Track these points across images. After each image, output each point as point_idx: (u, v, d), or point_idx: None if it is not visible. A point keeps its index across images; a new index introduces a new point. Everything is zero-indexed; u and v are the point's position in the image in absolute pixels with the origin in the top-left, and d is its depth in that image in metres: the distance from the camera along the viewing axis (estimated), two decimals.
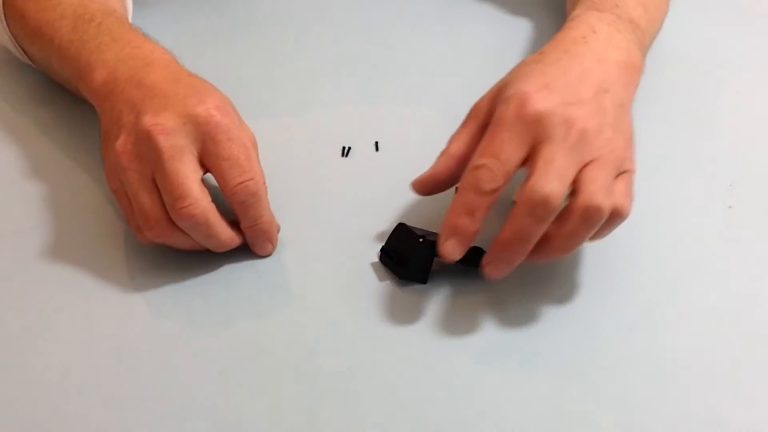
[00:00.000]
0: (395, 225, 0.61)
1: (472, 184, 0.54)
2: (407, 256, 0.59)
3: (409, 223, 0.62)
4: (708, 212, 0.66)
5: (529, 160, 0.54)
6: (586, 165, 0.54)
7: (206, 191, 0.57)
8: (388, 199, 0.66)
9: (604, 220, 0.54)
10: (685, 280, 0.61)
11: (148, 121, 0.56)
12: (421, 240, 0.58)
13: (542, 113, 0.54)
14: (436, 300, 0.59)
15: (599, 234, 0.56)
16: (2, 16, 0.71)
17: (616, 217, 0.55)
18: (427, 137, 0.70)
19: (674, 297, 0.60)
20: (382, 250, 0.61)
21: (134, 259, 0.61)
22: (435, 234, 0.57)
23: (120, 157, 0.57)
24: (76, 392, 0.54)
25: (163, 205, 0.56)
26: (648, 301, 0.60)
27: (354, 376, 0.55)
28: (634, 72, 0.62)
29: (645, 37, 0.67)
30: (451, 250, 0.55)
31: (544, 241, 0.55)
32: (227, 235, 0.59)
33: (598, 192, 0.53)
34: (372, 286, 0.60)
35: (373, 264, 0.61)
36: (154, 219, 0.57)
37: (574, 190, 0.54)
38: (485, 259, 0.56)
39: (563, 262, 0.62)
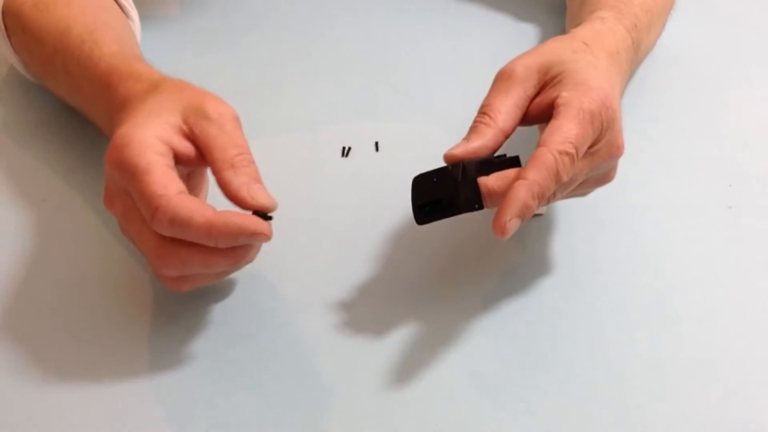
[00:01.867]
0: (412, 183, 0.55)
1: (556, 171, 0.52)
2: (450, 191, 0.53)
3: (408, 222, 0.61)
4: (708, 212, 0.66)
5: None
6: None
7: (181, 186, 0.51)
8: (388, 199, 0.66)
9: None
10: (685, 280, 0.61)
11: (110, 144, 0.53)
12: (450, 168, 0.53)
13: (614, 119, 0.55)
14: (436, 300, 0.59)
15: None
16: (11, 47, 0.70)
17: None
18: (427, 137, 0.70)
19: (674, 297, 0.60)
20: (419, 208, 0.54)
21: (134, 259, 0.61)
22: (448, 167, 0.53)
23: (106, 205, 0.54)
24: (76, 392, 0.54)
25: (153, 234, 0.51)
26: (648, 301, 0.60)
27: (354, 376, 0.55)
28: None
29: (631, 67, 0.67)
30: (512, 230, 0.51)
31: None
32: (201, 217, 0.50)
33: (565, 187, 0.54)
34: (372, 286, 0.60)
35: (373, 264, 0.61)
36: (149, 248, 0.52)
37: None
38: (504, 215, 0.51)
39: (563, 262, 0.62)
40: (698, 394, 0.54)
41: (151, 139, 0.52)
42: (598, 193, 0.67)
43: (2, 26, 0.69)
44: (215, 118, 0.53)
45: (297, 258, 0.62)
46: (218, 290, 0.59)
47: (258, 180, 0.53)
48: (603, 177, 0.58)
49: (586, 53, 0.58)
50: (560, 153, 0.52)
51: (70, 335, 0.57)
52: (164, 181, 0.50)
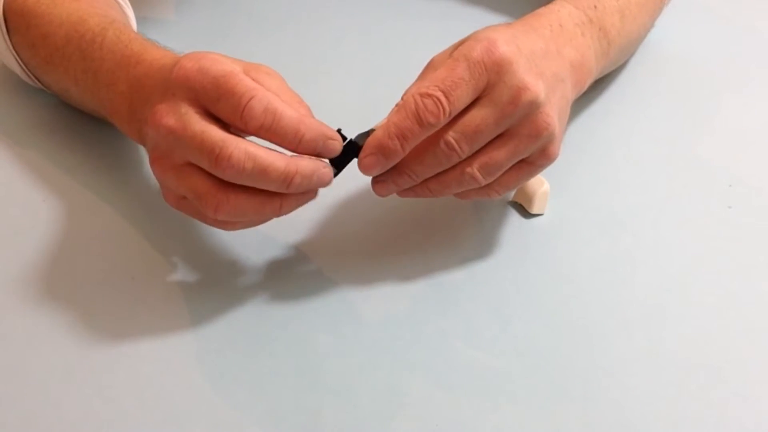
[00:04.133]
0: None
1: (415, 112, 0.52)
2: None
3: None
4: (708, 212, 0.66)
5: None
6: (505, 134, 0.55)
7: (235, 135, 0.52)
8: (388, 199, 0.66)
9: (474, 187, 0.56)
10: (685, 280, 0.61)
11: (148, 118, 0.54)
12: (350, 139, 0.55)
13: (506, 62, 0.53)
14: (436, 300, 0.59)
15: (466, 195, 0.58)
16: (9, 43, 0.69)
17: (483, 194, 0.57)
18: None
19: (674, 297, 0.60)
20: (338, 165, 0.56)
21: (134, 259, 0.61)
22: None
23: (155, 170, 0.55)
24: (76, 392, 0.54)
25: (209, 177, 0.53)
26: (648, 301, 0.60)
27: (354, 376, 0.55)
28: (583, 76, 0.62)
29: (610, 48, 0.67)
30: (371, 166, 0.54)
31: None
32: (281, 163, 0.52)
33: (489, 172, 0.55)
34: (372, 285, 0.60)
35: (373, 265, 0.61)
36: (206, 192, 0.52)
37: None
38: (362, 153, 0.54)
39: (563, 262, 0.62)
40: (698, 394, 0.54)
41: (229, 61, 0.54)
42: (598, 193, 0.67)
43: (3, 26, 0.69)
44: (273, 74, 0.56)
45: (296, 258, 0.62)
46: (217, 290, 0.59)
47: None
48: (533, 127, 0.54)
49: (500, 25, 0.58)
50: (421, 95, 0.52)
51: (70, 335, 0.57)
52: (253, 83, 0.52)
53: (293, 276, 0.60)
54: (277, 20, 0.83)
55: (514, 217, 0.65)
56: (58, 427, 0.52)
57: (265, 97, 0.52)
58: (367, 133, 0.55)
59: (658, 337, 0.57)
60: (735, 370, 0.56)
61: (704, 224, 0.65)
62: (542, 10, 0.63)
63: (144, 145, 0.58)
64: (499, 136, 0.55)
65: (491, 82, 0.53)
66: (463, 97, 0.53)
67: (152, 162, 0.55)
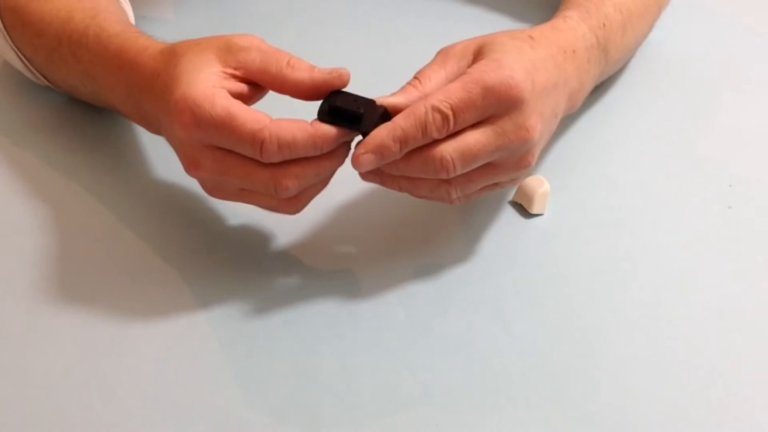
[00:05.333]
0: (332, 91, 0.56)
1: (423, 123, 0.53)
2: (363, 109, 0.55)
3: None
4: (708, 212, 0.66)
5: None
6: (490, 163, 0.56)
7: (264, 114, 0.53)
8: (389, 199, 0.66)
9: (441, 198, 0.57)
10: (685, 280, 0.61)
11: (171, 113, 0.53)
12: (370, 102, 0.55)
13: (519, 101, 0.54)
14: (436, 300, 0.59)
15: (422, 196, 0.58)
16: (11, 42, 0.69)
17: (446, 198, 0.57)
18: None
19: (674, 297, 0.60)
20: (331, 109, 0.55)
21: (134, 259, 0.61)
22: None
23: (191, 172, 0.55)
24: (76, 392, 0.54)
25: (262, 166, 0.54)
26: (648, 301, 0.60)
27: (354, 376, 0.55)
28: (576, 102, 0.64)
29: (607, 66, 0.68)
30: (366, 163, 0.53)
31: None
32: (317, 130, 0.53)
33: (463, 190, 0.56)
34: (372, 285, 0.60)
35: (373, 264, 0.61)
36: (264, 179, 0.54)
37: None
38: (360, 148, 0.54)
39: (563, 262, 0.62)
40: (698, 394, 0.54)
41: (211, 89, 0.53)
42: (598, 193, 0.67)
43: (1, 24, 0.69)
44: (248, 45, 0.55)
45: (296, 258, 0.62)
46: (218, 290, 0.59)
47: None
48: (519, 161, 0.57)
49: (525, 43, 0.58)
50: (433, 108, 0.53)
51: (70, 335, 0.57)
52: (252, 116, 0.52)
53: (293, 276, 0.60)
54: (277, 20, 0.83)
55: (514, 217, 0.65)
56: (58, 427, 0.52)
57: (273, 135, 0.52)
58: (368, 102, 0.55)
59: (658, 337, 0.57)
60: (735, 370, 0.56)
61: (704, 224, 0.65)
62: (560, 25, 0.63)
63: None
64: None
65: (499, 113, 0.54)
66: (469, 120, 0.54)
67: (185, 167, 0.56)
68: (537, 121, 0.55)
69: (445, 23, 0.84)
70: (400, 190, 0.57)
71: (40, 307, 0.58)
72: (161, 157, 0.68)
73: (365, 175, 0.56)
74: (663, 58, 0.78)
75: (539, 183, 0.64)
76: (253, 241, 0.63)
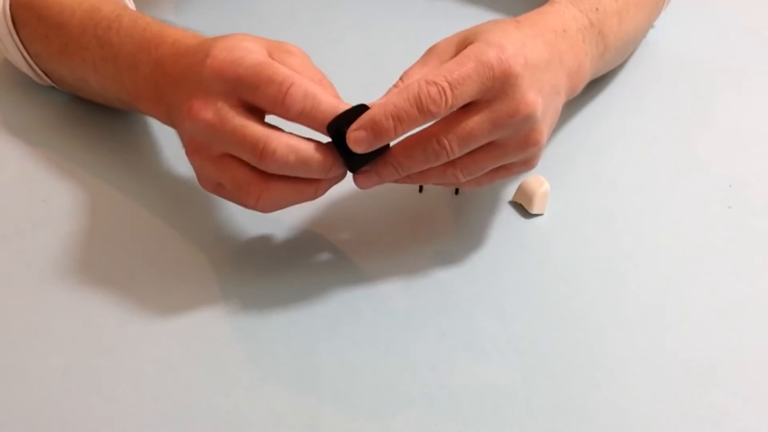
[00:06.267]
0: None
1: (417, 97, 0.52)
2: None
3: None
4: (708, 212, 0.66)
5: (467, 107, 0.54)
6: (494, 141, 0.55)
7: (273, 127, 0.54)
8: (388, 199, 0.66)
9: (450, 180, 0.56)
10: (685, 280, 0.61)
11: (183, 110, 0.55)
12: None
13: (513, 74, 0.53)
14: (436, 300, 0.59)
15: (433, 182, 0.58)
16: (16, 38, 0.69)
17: (454, 183, 0.57)
18: None
19: (674, 297, 0.60)
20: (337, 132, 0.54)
21: (134, 258, 0.61)
22: None
23: (192, 159, 0.57)
24: (76, 392, 0.54)
25: (248, 167, 0.54)
26: (648, 301, 0.60)
27: (354, 376, 0.55)
28: (577, 82, 0.62)
29: (606, 51, 0.67)
30: (358, 141, 0.53)
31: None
32: (320, 153, 0.54)
33: (471, 173, 0.56)
34: (372, 285, 0.60)
35: (372, 264, 0.61)
36: (247, 182, 0.54)
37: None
38: (353, 126, 0.53)
39: (563, 262, 0.62)
40: (698, 394, 0.54)
41: (257, 47, 0.55)
42: (598, 193, 0.67)
43: (10, 22, 0.69)
44: (296, 52, 0.57)
45: (296, 257, 0.62)
46: (218, 290, 0.59)
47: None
48: (524, 140, 0.55)
49: (508, 25, 0.58)
50: (427, 82, 0.52)
51: (70, 335, 0.57)
52: (288, 70, 0.54)
53: (293, 276, 0.60)
54: (277, 20, 0.83)
55: (514, 217, 0.65)
56: (58, 427, 0.52)
57: (303, 83, 0.53)
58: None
59: (658, 337, 0.57)
60: (735, 370, 0.56)
61: (704, 224, 0.65)
62: (547, 9, 0.63)
63: (173, 127, 0.59)
64: (489, 142, 0.55)
65: (494, 90, 0.53)
66: (466, 94, 0.53)
67: (189, 153, 0.56)
68: (536, 95, 0.54)
69: (446, 23, 0.84)
70: (410, 181, 0.57)
71: (40, 307, 0.58)
72: (162, 158, 0.69)
73: (368, 177, 0.56)
74: (663, 57, 0.78)
75: (539, 183, 0.64)
76: (253, 241, 0.63)
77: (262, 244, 0.63)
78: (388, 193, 0.66)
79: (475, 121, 0.54)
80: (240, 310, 0.58)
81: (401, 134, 0.53)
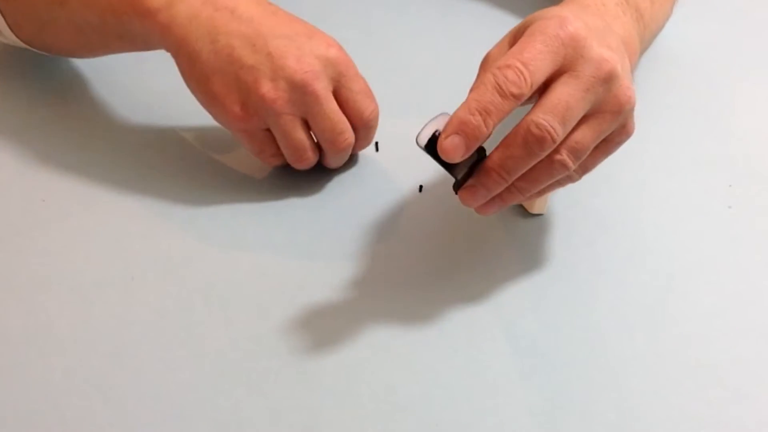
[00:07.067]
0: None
1: (495, 83, 0.50)
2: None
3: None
4: (708, 212, 0.66)
5: (546, 86, 0.52)
6: (588, 114, 0.53)
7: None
8: (388, 199, 0.66)
9: (563, 175, 0.54)
10: (685, 280, 0.61)
11: (298, 68, 0.60)
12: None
13: (582, 37, 0.52)
14: (437, 300, 0.59)
15: (549, 188, 0.56)
16: None
17: (566, 182, 0.56)
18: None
19: (674, 297, 0.60)
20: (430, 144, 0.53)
21: (134, 258, 0.61)
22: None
23: (273, 103, 0.60)
24: (76, 392, 0.54)
25: (311, 138, 0.63)
26: (648, 301, 0.60)
27: (354, 376, 0.55)
28: (632, 55, 0.60)
29: (645, 31, 0.66)
30: (453, 147, 0.51)
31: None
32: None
33: (577, 156, 0.53)
34: (372, 286, 0.60)
35: (372, 263, 0.61)
36: (309, 151, 0.63)
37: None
38: (467, 182, 0.53)
39: (563, 262, 0.62)
40: (698, 394, 0.54)
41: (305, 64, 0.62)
42: (598, 193, 0.67)
43: None
44: (354, 76, 0.65)
45: (296, 257, 0.62)
46: (217, 291, 0.59)
47: None
48: (616, 101, 0.53)
49: (556, 7, 0.57)
50: (499, 68, 0.51)
51: (70, 335, 0.57)
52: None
53: (292, 276, 0.60)
54: None
55: (514, 217, 0.65)
56: (58, 427, 0.52)
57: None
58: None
59: (658, 337, 0.57)
60: (735, 370, 0.56)
61: (704, 224, 0.65)
62: None
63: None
64: (583, 117, 0.53)
65: (569, 57, 0.52)
66: (542, 68, 0.51)
67: (269, 95, 0.60)
68: (609, 51, 0.53)
69: (448, 20, 0.84)
70: (521, 193, 0.55)
71: (40, 307, 0.58)
72: (162, 157, 0.69)
73: (486, 206, 0.55)
74: (663, 57, 0.78)
75: None
76: (252, 242, 0.63)
77: (262, 246, 0.63)
78: (389, 193, 0.66)
79: (565, 92, 0.51)
80: (239, 311, 0.58)
81: (492, 128, 0.51)
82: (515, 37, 0.55)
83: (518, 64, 0.51)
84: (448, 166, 0.53)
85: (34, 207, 0.65)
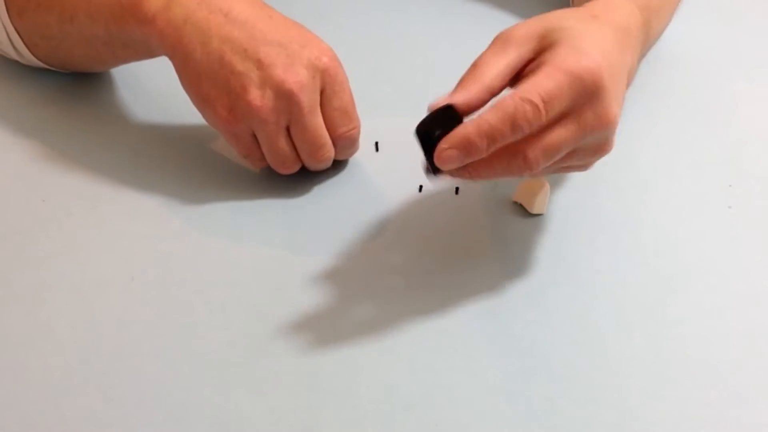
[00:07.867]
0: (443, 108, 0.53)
1: (513, 116, 0.50)
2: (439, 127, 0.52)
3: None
4: (708, 212, 0.66)
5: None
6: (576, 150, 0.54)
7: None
8: (388, 199, 0.66)
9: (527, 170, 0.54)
10: (685, 280, 0.61)
11: (286, 77, 0.60)
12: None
13: (603, 88, 0.52)
14: (437, 300, 0.59)
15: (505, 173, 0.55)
16: (9, 25, 0.69)
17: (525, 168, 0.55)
18: None
19: (674, 297, 0.60)
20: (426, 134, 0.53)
21: (134, 258, 0.61)
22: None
23: (259, 111, 0.60)
24: (76, 392, 0.54)
25: (294, 148, 0.63)
26: (648, 301, 0.60)
27: (354, 376, 0.55)
28: (628, 84, 0.60)
29: (643, 48, 0.66)
30: (449, 159, 0.51)
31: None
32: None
33: (548, 155, 0.53)
34: (372, 286, 0.60)
35: (372, 264, 0.61)
36: (291, 160, 0.64)
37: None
38: (443, 143, 0.52)
39: (563, 262, 0.62)
40: (698, 394, 0.54)
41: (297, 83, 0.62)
42: (598, 193, 0.67)
43: (4, 10, 0.68)
44: (339, 83, 0.64)
45: (296, 258, 0.62)
46: (217, 291, 0.59)
47: None
48: (598, 147, 0.55)
49: (591, 23, 0.56)
50: (522, 100, 0.50)
51: (70, 335, 0.57)
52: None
53: (292, 276, 0.60)
54: None
55: (514, 217, 0.65)
56: (58, 427, 0.52)
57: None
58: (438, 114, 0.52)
59: (658, 337, 0.57)
60: (735, 370, 0.56)
61: (704, 224, 0.65)
62: (613, 2, 0.60)
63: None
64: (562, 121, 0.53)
65: (581, 102, 0.52)
66: (557, 110, 0.52)
67: (255, 103, 0.60)
68: (618, 108, 0.54)
69: (446, 21, 0.84)
70: (472, 177, 0.54)
71: (40, 307, 0.58)
72: (163, 158, 0.69)
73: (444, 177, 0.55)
74: (664, 57, 0.78)
75: (539, 183, 0.64)
76: (252, 242, 0.63)
77: (261, 246, 0.63)
78: (389, 193, 0.66)
79: (563, 135, 0.52)
80: (239, 311, 0.58)
81: (490, 152, 0.52)
82: (545, 37, 0.55)
83: (540, 104, 0.51)
84: (428, 152, 0.53)
85: (34, 207, 0.65)
